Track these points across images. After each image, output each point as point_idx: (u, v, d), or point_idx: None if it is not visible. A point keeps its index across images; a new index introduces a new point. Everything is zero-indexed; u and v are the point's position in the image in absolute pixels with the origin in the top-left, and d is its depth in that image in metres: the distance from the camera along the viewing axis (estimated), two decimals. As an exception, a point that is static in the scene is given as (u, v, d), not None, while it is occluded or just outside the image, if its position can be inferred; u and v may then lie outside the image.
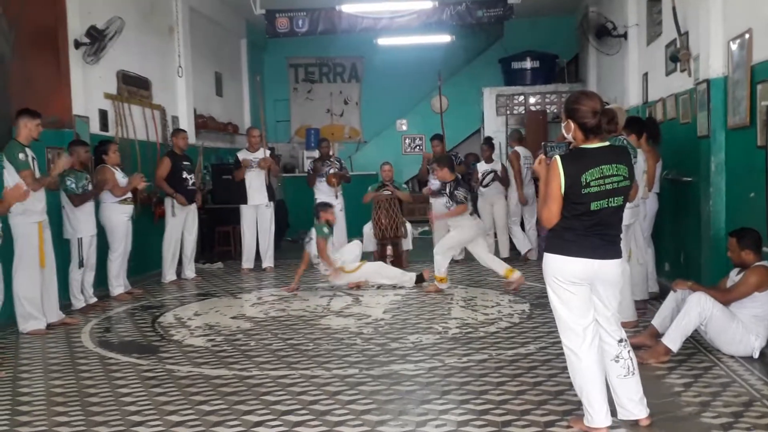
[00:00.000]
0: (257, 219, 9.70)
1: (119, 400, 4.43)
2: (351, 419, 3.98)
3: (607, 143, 3.69)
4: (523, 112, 13.66)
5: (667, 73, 7.72)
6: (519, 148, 9.96)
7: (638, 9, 9.09)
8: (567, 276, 3.62)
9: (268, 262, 9.76)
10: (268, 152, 9.89)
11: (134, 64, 9.44)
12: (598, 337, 3.69)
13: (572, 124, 3.61)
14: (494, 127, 13.57)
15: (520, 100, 13.87)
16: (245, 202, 9.65)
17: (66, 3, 7.81)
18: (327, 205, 8.39)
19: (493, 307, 6.94)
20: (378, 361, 5.13)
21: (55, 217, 6.95)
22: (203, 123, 11.64)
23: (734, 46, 5.76)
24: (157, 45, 10.15)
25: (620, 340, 3.71)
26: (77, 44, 7.95)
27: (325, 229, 7.95)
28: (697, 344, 5.16)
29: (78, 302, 7.22)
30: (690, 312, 4.80)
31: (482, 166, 9.92)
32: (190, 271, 9.14)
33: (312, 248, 8.07)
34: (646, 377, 3.96)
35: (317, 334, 6.06)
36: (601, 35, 10.04)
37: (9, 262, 6.04)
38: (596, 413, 3.63)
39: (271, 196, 9.81)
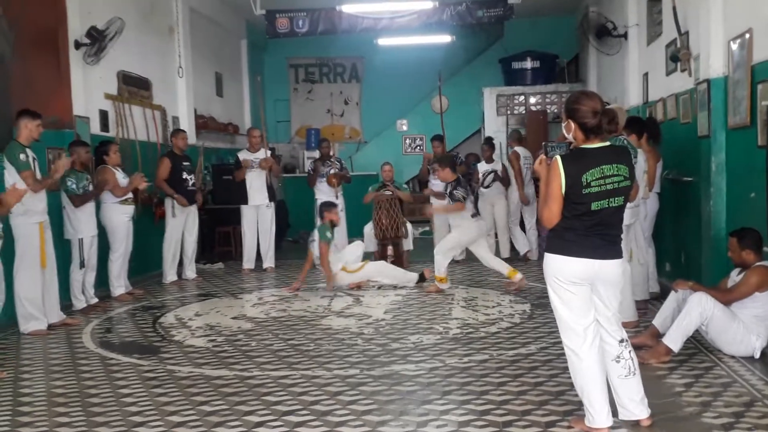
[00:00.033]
0: (258, 219, 9.70)
1: (120, 401, 4.43)
2: (352, 419, 3.98)
3: (607, 143, 3.69)
4: (524, 112, 13.66)
5: (668, 73, 7.72)
6: (519, 149, 9.97)
7: (638, 9, 9.09)
8: (568, 276, 3.62)
9: (268, 262, 9.76)
10: (268, 152, 9.89)
11: (134, 65, 9.44)
12: (599, 337, 3.69)
13: (573, 124, 3.61)
14: (495, 127, 13.57)
15: (520, 100, 13.87)
16: (246, 202, 9.65)
17: (66, 3, 7.81)
18: (331, 205, 8.34)
19: (494, 307, 6.94)
20: (379, 362, 5.13)
21: (56, 217, 6.95)
22: (204, 123, 11.64)
23: (734, 46, 5.76)
24: (157, 45, 10.15)
25: (621, 341, 3.71)
26: (77, 45, 7.95)
27: (329, 234, 7.89)
28: (698, 344, 5.16)
29: (79, 303, 7.23)
30: (691, 312, 4.80)
31: (483, 167, 9.92)
32: (190, 272, 9.14)
33: (315, 249, 8.04)
34: (647, 377, 3.96)
35: (318, 334, 6.07)
36: (601, 35, 10.04)
37: (10, 262, 6.04)
38: (597, 413, 3.63)
39: (272, 196, 9.81)
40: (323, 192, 9.95)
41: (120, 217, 7.81)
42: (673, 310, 5.10)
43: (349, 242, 9.26)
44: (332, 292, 7.86)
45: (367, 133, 16.05)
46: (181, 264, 9.10)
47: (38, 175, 6.31)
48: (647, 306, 6.33)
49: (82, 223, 7.18)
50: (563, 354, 3.81)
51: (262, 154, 9.68)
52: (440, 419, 3.94)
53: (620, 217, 3.71)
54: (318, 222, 8.28)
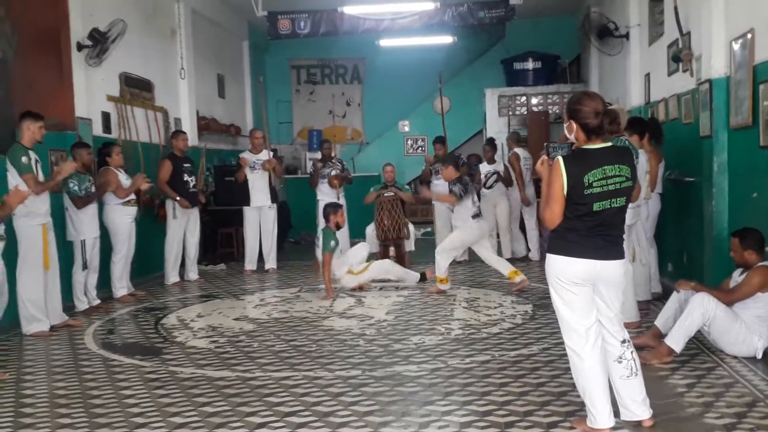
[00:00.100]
0: (260, 220, 9.70)
1: (122, 402, 4.44)
2: (354, 420, 3.98)
3: (609, 144, 3.69)
4: (525, 112, 13.66)
5: (669, 74, 7.71)
6: (518, 150, 10.00)
7: (640, 9, 9.09)
8: (570, 277, 3.62)
9: (270, 263, 9.76)
10: (271, 154, 9.91)
11: (136, 67, 9.45)
12: (601, 337, 3.68)
13: (574, 125, 3.61)
14: (496, 128, 13.57)
15: (522, 100, 13.87)
16: (248, 203, 9.65)
17: (68, 5, 7.82)
18: (336, 207, 8.22)
19: (495, 308, 6.93)
20: (381, 363, 5.13)
21: (59, 219, 6.96)
22: (205, 125, 11.64)
23: (736, 46, 5.76)
24: (159, 47, 10.17)
25: (623, 341, 3.71)
26: (80, 47, 7.97)
27: (332, 243, 7.74)
28: (700, 345, 5.15)
29: (81, 304, 7.24)
30: (693, 312, 4.79)
31: (485, 167, 9.92)
32: (192, 273, 9.15)
33: (320, 254, 8.00)
34: (649, 378, 3.95)
35: (320, 335, 6.07)
36: (602, 36, 10.04)
37: (12, 264, 6.05)
38: (599, 414, 3.63)
39: (274, 197, 9.82)
40: (325, 193, 9.95)
41: (123, 218, 7.82)
42: (675, 311, 5.09)
43: (352, 244, 9.25)
44: (335, 292, 7.84)
45: (369, 134, 16.05)
46: (183, 265, 9.11)
47: (41, 177, 6.32)
48: (649, 306, 6.33)
49: (84, 224, 7.19)
50: (565, 355, 3.81)
51: (265, 155, 9.70)
52: (442, 420, 3.94)
53: (622, 218, 3.71)
54: (321, 223, 8.24)
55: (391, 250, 9.10)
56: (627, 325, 4.01)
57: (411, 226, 9.54)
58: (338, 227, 8.01)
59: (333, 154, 10.52)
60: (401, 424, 3.90)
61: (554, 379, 4.59)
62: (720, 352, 4.98)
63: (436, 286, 7.73)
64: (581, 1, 12.71)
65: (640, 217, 6.13)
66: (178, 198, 8.72)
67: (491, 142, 10.42)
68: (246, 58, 14.06)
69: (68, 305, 7.04)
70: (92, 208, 7.31)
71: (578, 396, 3.80)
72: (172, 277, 8.91)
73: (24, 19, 7.31)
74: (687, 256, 7.14)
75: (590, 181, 3.51)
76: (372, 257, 8.76)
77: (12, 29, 7.15)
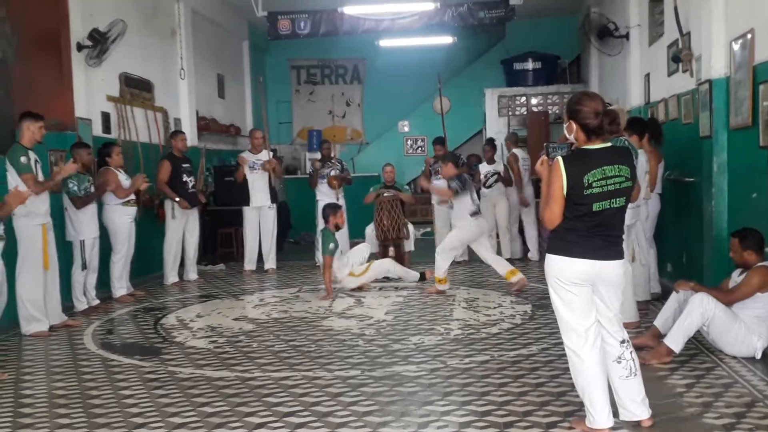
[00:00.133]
0: (260, 221, 9.70)
1: (122, 402, 4.44)
2: (353, 420, 3.98)
3: (609, 144, 3.69)
4: (525, 113, 13.66)
5: (669, 74, 7.71)
6: (516, 150, 10.03)
7: (640, 9, 9.09)
8: (569, 277, 3.62)
9: (270, 263, 9.76)
10: (270, 154, 9.91)
11: (136, 67, 9.45)
12: (600, 338, 3.68)
13: (574, 125, 3.61)
14: (496, 128, 13.56)
15: (522, 101, 13.87)
16: (248, 203, 9.65)
17: (68, 6, 7.82)
18: (335, 208, 8.20)
19: (495, 308, 6.93)
20: (380, 363, 5.13)
21: (58, 219, 6.96)
22: (205, 125, 11.64)
23: (736, 47, 5.76)
24: (159, 47, 10.17)
25: (622, 341, 3.71)
26: (79, 47, 7.97)
27: (331, 245, 7.71)
28: (700, 345, 5.15)
29: (80, 304, 7.24)
30: (692, 313, 4.79)
31: (484, 167, 9.92)
32: (192, 273, 9.15)
33: (320, 257, 7.97)
34: (648, 378, 3.95)
35: (319, 335, 6.07)
36: (602, 36, 10.04)
37: (12, 264, 6.05)
38: (598, 414, 3.63)
39: (274, 197, 9.82)
40: (324, 193, 9.95)
41: (122, 218, 7.82)
42: (675, 311, 5.09)
43: (351, 244, 9.24)
44: (334, 292, 7.84)
45: (369, 135, 16.05)
46: (182, 265, 9.11)
47: (40, 178, 6.32)
48: (648, 307, 6.33)
49: (83, 224, 7.19)
50: (564, 355, 3.81)
51: (265, 155, 9.70)
52: (441, 420, 3.94)
53: (622, 218, 3.71)
54: (321, 224, 8.23)
55: (391, 251, 9.10)
56: (626, 325, 4.01)
57: (410, 227, 9.54)
58: (337, 228, 8.00)
59: (332, 155, 10.52)
60: (400, 425, 3.90)
61: (553, 379, 4.59)
62: (719, 353, 4.98)
63: (435, 286, 7.73)
64: (581, 1, 12.71)
65: (640, 217, 6.13)
66: (177, 199, 8.72)
67: (491, 142, 10.43)
68: (246, 59, 14.06)
69: (67, 305, 7.04)
70: (91, 209, 7.31)
71: (577, 396, 3.80)
72: (171, 277, 8.91)
73: (24, 20, 7.31)
74: (686, 257, 7.14)
75: (590, 182, 3.51)
76: (372, 257, 8.76)
77: (12, 29, 7.15)
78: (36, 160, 6.29)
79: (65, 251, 7.12)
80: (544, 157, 3.70)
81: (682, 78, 7.10)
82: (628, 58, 9.40)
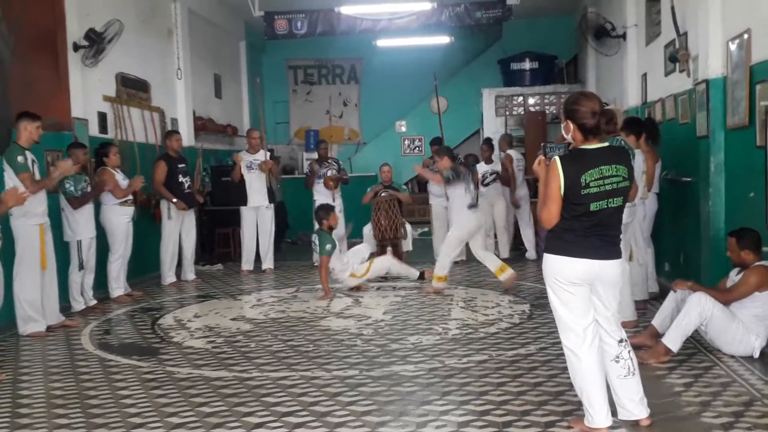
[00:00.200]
0: (257, 221, 9.70)
1: (119, 402, 4.43)
2: (351, 420, 3.98)
3: (606, 144, 3.69)
4: (523, 112, 13.67)
5: (666, 74, 7.72)
6: (511, 151, 10.06)
7: (637, 9, 9.10)
8: (567, 277, 3.62)
9: (267, 263, 9.76)
10: (268, 154, 9.90)
11: (133, 67, 9.44)
12: (598, 337, 3.68)
13: (571, 125, 3.61)
14: (493, 128, 13.58)
15: (519, 101, 13.88)
16: (245, 203, 9.65)
17: (65, 6, 7.81)
18: (329, 209, 8.15)
19: (493, 307, 6.94)
20: (378, 363, 5.13)
21: (56, 219, 6.94)
22: (202, 125, 11.64)
23: (733, 47, 5.77)
24: (156, 47, 10.16)
25: (620, 341, 3.71)
26: (76, 47, 7.95)
27: (328, 246, 7.68)
28: (698, 344, 5.16)
29: (78, 304, 7.22)
30: (690, 312, 4.80)
31: (482, 167, 9.93)
32: (190, 273, 9.14)
33: (316, 257, 7.94)
34: (646, 377, 3.96)
35: (317, 335, 6.06)
36: (599, 36, 10.05)
37: (9, 264, 6.04)
38: (597, 413, 3.63)
39: (272, 197, 9.81)
40: (321, 193, 9.94)
41: (120, 218, 7.81)
42: (672, 310, 5.10)
43: (349, 244, 9.22)
44: (332, 292, 7.83)
45: (366, 135, 16.06)
46: (180, 265, 9.10)
47: (37, 177, 6.30)
48: (646, 306, 6.34)
49: (80, 225, 7.18)
50: (562, 354, 3.81)
51: (262, 155, 9.69)
52: (440, 420, 3.94)
53: (619, 218, 3.71)
54: (317, 229, 8.20)
55: (389, 251, 9.09)
56: (624, 325, 4.02)
57: (408, 226, 9.55)
58: (331, 229, 7.95)
59: (329, 155, 10.51)
60: (399, 424, 3.90)
61: (552, 378, 4.59)
62: (717, 352, 4.98)
63: (433, 285, 7.72)
64: (578, 1, 12.73)
65: (637, 217, 6.14)
66: (174, 200, 8.71)
67: (488, 141, 10.43)
68: (243, 59, 14.06)
69: (65, 305, 7.03)
70: (88, 209, 7.30)
71: (575, 395, 3.80)
72: (168, 277, 8.89)
73: (21, 20, 7.30)
74: (684, 256, 7.15)
75: (587, 181, 3.52)
76: (370, 257, 8.75)
77: (9, 30, 7.13)
78: (33, 160, 6.28)
79: (62, 251, 7.10)
80: (541, 157, 3.70)
81: (679, 78, 7.11)
82: (625, 58, 9.41)
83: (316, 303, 7.45)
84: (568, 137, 3.66)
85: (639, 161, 5.80)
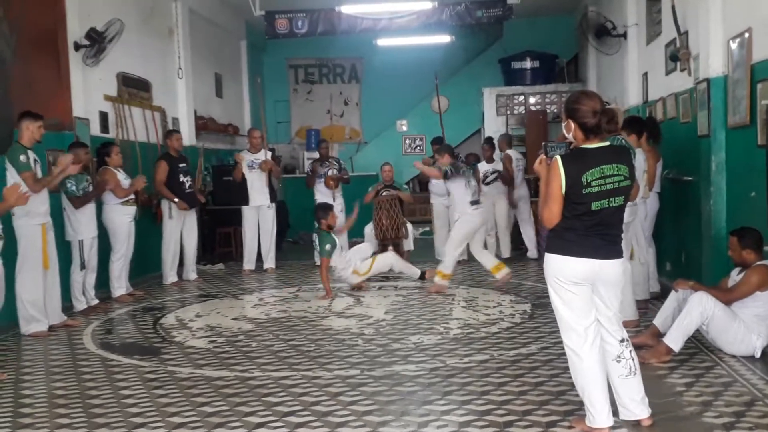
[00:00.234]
0: (259, 220, 9.70)
1: (121, 402, 4.43)
2: (353, 420, 3.98)
3: (607, 143, 3.69)
4: (523, 112, 13.67)
5: (667, 73, 7.72)
6: (510, 151, 10.08)
7: (638, 8, 9.10)
8: (568, 276, 3.62)
9: (269, 263, 9.76)
10: (269, 153, 9.90)
11: (134, 66, 9.45)
12: (600, 337, 3.68)
13: (572, 124, 3.61)
14: (494, 127, 13.58)
15: (520, 100, 13.88)
16: (247, 203, 9.65)
17: (65, 5, 7.81)
18: (327, 208, 8.13)
19: (494, 307, 6.94)
20: (379, 362, 5.13)
21: (57, 219, 6.94)
22: (203, 124, 11.64)
23: (734, 45, 5.77)
24: (157, 47, 10.16)
25: (622, 340, 3.71)
26: (77, 46, 7.96)
27: (327, 246, 7.67)
28: (699, 344, 5.15)
29: (79, 304, 7.23)
30: (691, 312, 4.80)
31: (483, 166, 9.92)
32: (191, 273, 9.14)
33: (317, 257, 7.94)
34: (647, 377, 3.96)
35: (318, 335, 6.07)
36: (600, 35, 10.05)
37: (11, 264, 6.04)
38: (598, 413, 3.63)
39: (273, 197, 9.81)
40: (322, 193, 9.94)
41: (122, 218, 7.81)
42: (674, 310, 5.09)
43: (350, 243, 9.21)
44: (334, 292, 7.83)
45: (367, 134, 16.06)
46: (181, 265, 9.11)
47: (39, 177, 6.31)
48: (648, 305, 6.33)
49: (82, 224, 7.18)
50: (564, 354, 3.81)
51: (263, 154, 9.69)
52: (441, 419, 3.94)
53: (620, 217, 3.71)
54: (316, 228, 8.19)
55: (390, 250, 9.09)
56: (625, 324, 4.01)
57: (409, 226, 9.54)
58: (330, 228, 7.94)
59: (330, 154, 10.51)
60: (400, 424, 3.90)
61: (553, 378, 4.59)
62: (718, 351, 4.98)
63: (436, 282, 7.71)
64: (579, 0, 12.71)
65: (638, 216, 6.13)
66: (176, 200, 8.71)
67: (490, 141, 10.44)
68: (244, 58, 14.06)
69: (66, 305, 7.04)
70: (90, 208, 7.30)
71: (577, 395, 3.80)
72: (170, 277, 8.90)
73: (22, 20, 7.30)
74: (685, 256, 7.15)
75: (588, 181, 3.51)
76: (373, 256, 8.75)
77: (10, 29, 7.13)
78: (35, 160, 6.28)
79: (64, 251, 7.11)
80: (542, 156, 3.70)
81: (680, 77, 7.10)
82: (626, 57, 9.41)
83: (318, 302, 7.45)
84: (570, 136, 3.66)
85: (640, 160, 5.80)
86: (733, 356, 4.87)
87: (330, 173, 9.93)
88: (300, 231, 12.28)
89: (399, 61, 14.87)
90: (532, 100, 13.81)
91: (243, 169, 9.53)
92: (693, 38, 6.70)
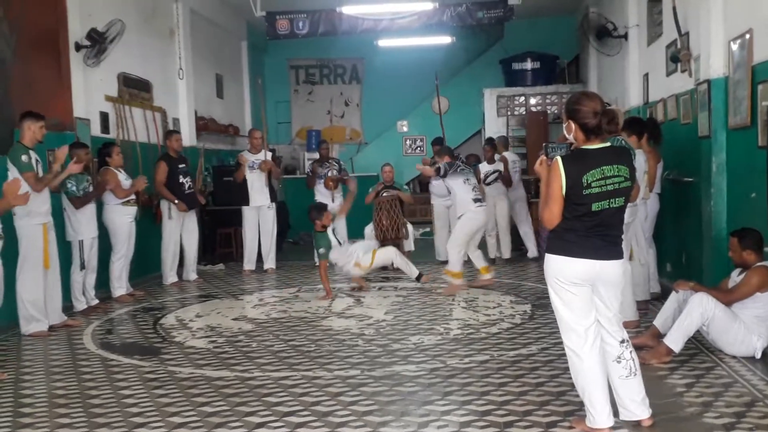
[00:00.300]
0: (259, 220, 9.70)
1: (121, 402, 4.43)
2: (353, 420, 3.98)
3: (608, 144, 3.69)
4: (524, 113, 13.67)
5: (668, 74, 7.72)
6: (506, 153, 10.09)
7: (638, 9, 9.09)
8: (569, 277, 3.62)
9: (269, 263, 9.76)
10: (269, 154, 9.90)
11: (135, 67, 9.45)
12: (600, 337, 3.68)
13: (573, 125, 3.61)
14: (495, 128, 13.57)
15: (520, 101, 13.88)
16: (247, 203, 9.65)
17: (66, 6, 7.81)
18: (321, 208, 8.07)
19: (494, 307, 6.93)
20: (380, 362, 5.13)
21: (58, 219, 6.95)
22: (204, 125, 11.64)
23: (735, 47, 5.77)
24: (157, 47, 10.16)
25: (622, 341, 3.71)
26: (78, 47, 7.96)
27: (321, 250, 7.69)
28: (699, 345, 5.15)
29: (79, 304, 7.23)
30: (692, 313, 4.80)
31: (484, 167, 9.92)
32: (192, 273, 9.14)
33: (317, 258, 7.96)
34: (648, 378, 3.96)
35: (319, 335, 6.07)
36: (601, 36, 10.05)
37: (11, 264, 6.04)
38: (598, 414, 3.63)
39: (273, 197, 9.81)
40: (322, 194, 9.96)
41: (122, 218, 7.82)
42: (674, 311, 5.09)
43: (351, 243, 9.20)
44: (334, 292, 7.83)
45: (368, 135, 16.06)
46: (182, 265, 9.11)
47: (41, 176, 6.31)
48: (648, 306, 6.33)
49: (82, 225, 7.18)
50: (564, 354, 3.81)
51: (263, 155, 9.69)
52: (441, 420, 3.94)
53: (621, 218, 3.71)
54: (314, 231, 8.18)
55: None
56: (626, 325, 4.02)
57: (410, 226, 9.54)
58: (325, 228, 7.88)
59: (331, 155, 10.51)
60: (400, 424, 3.90)
61: (553, 378, 4.59)
62: (719, 352, 4.98)
63: (449, 285, 7.69)
64: (580, 1, 12.72)
65: (638, 216, 6.13)
66: (176, 201, 8.71)
67: (491, 141, 10.43)
68: (244, 59, 14.06)
69: (66, 305, 7.04)
70: (90, 209, 7.31)
71: (577, 396, 3.80)
72: (170, 277, 8.90)
73: (22, 20, 7.30)
74: (686, 256, 7.14)
75: (589, 182, 3.52)
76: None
77: (10, 29, 7.14)
78: (37, 160, 6.29)
79: (65, 251, 7.11)
80: (543, 157, 3.70)
81: (681, 78, 7.10)
82: (627, 58, 9.40)
83: (318, 303, 7.45)
84: (570, 137, 3.66)
85: (640, 161, 5.80)
86: (734, 357, 4.87)
87: (330, 174, 9.94)
88: (300, 231, 12.29)
89: (400, 61, 14.87)
90: (532, 101, 13.81)
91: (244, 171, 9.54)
92: (694, 39, 6.70)
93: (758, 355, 4.82)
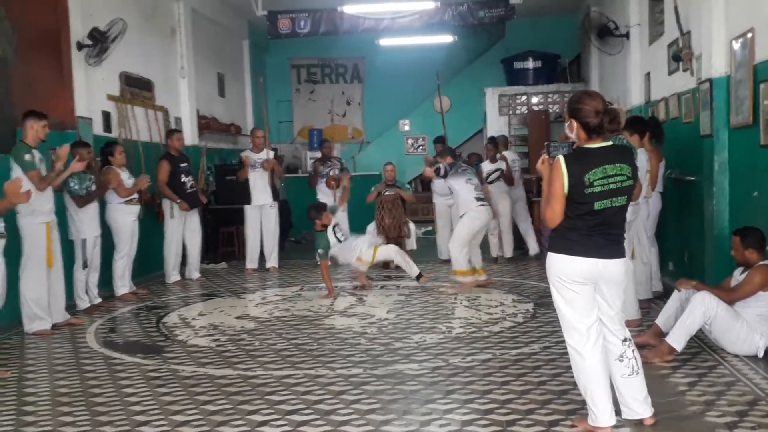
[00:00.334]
0: (261, 219, 9.71)
1: (124, 400, 4.45)
2: (355, 419, 3.99)
3: (610, 143, 3.70)
4: (526, 112, 13.67)
5: (670, 73, 7.72)
6: (506, 153, 10.09)
7: (640, 8, 9.09)
8: (571, 275, 3.62)
9: (272, 262, 9.77)
10: (271, 153, 9.90)
11: (137, 66, 9.46)
12: (602, 336, 3.69)
13: (575, 124, 3.62)
14: (497, 127, 13.58)
15: (522, 100, 13.88)
16: (249, 202, 9.66)
17: (68, 5, 7.82)
18: (320, 207, 8.08)
19: (497, 306, 6.94)
20: (382, 361, 5.14)
21: (60, 218, 6.95)
22: (206, 124, 11.65)
23: (737, 46, 5.77)
24: (159, 46, 10.17)
25: (624, 340, 3.71)
26: (80, 46, 7.97)
27: (320, 251, 7.71)
28: (702, 343, 5.16)
29: (83, 303, 7.24)
30: (694, 311, 4.80)
31: (486, 166, 9.91)
32: (194, 272, 9.15)
33: (318, 258, 7.98)
34: (650, 376, 3.96)
35: (321, 333, 6.08)
36: (603, 35, 10.04)
37: (14, 262, 6.05)
38: (600, 412, 3.63)
39: (276, 195, 9.82)
40: (324, 192, 9.95)
41: (125, 217, 7.83)
42: (677, 310, 5.10)
43: (356, 237, 9.19)
44: (336, 291, 7.84)
45: (370, 134, 16.06)
46: (184, 264, 9.12)
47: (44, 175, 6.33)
48: (650, 305, 6.34)
49: (84, 224, 7.19)
50: (566, 353, 3.81)
51: (265, 154, 9.69)
52: (443, 418, 3.95)
53: (623, 217, 3.71)
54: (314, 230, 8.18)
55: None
56: (628, 324, 4.02)
57: (412, 225, 9.54)
58: (325, 227, 7.87)
59: (333, 154, 10.52)
60: (403, 423, 3.91)
61: (555, 377, 4.59)
62: (721, 351, 4.98)
63: (459, 281, 7.69)
64: (581, 0, 12.71)
65: (640, 215, 6.13)
66: (178, 201, 8.72)
67: (492, 140, 10.42)
68: (246, 58, 14.06)
69: (70, 304, 7.03)
70: (93, 208, 7.32)
71: (579, 394, 3.80)
72: (172, 276, 8.91)
73: (24, 19, 7.32)
74: (688, 255, 7.14)
75: (591, 180, 3.52)
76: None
77: (12, 29, 7.15)
78: (41, 159, 6.30)
79: (67, 250, 7.12)
80: (545, 156, 3.70)
81: (683, 77, 7.10)
82: (629, 57, 9.40)
83: (320, 301, 7.46)
84: (572, 136, 3.67)
85: (643, 160, 5.80)
86: (736, 356, 4.88)
87: (332, 173, 9.94)
88: (302, 230, 12.30)
89: (401, 61, 14.87)
90: (534, 100, 13.81)
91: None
92: (695, 38, 6.70)
93: (761, 354, 4.82)
